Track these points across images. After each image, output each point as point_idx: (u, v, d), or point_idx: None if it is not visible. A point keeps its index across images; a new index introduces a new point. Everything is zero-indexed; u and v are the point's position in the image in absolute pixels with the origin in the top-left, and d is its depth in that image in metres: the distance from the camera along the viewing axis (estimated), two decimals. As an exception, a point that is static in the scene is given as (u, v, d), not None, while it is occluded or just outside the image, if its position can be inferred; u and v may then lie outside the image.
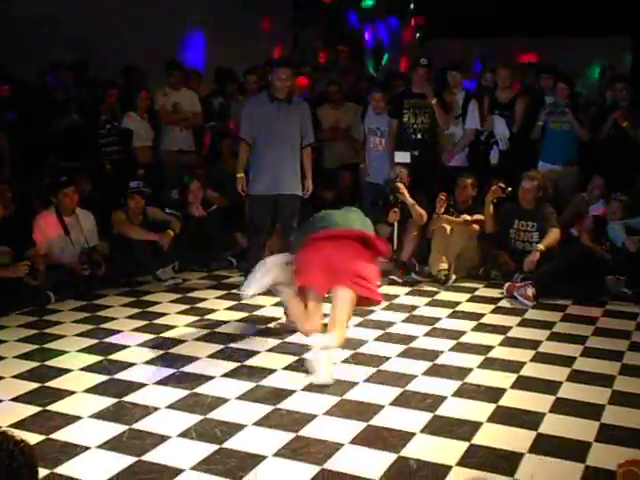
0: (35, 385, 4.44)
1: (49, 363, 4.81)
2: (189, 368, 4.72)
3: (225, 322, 5.67)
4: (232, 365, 4.77)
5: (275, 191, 6.29)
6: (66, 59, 8.54)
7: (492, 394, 4.30)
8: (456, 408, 4.12)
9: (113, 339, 5.28)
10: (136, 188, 6.91)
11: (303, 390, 4.37)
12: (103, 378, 4.55)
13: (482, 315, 5.82)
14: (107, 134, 7.95)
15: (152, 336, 5.34)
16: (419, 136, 7.44)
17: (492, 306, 6.05)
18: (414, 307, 6.01)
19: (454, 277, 6.63)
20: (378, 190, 7.34)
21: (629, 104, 7.41)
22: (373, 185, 7.60)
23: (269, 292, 6.29)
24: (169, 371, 4.67)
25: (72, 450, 3.65)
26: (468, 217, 6.86)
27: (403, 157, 6.90)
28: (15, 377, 4.58)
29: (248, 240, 6.70)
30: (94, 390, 4.38)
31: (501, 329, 5.48)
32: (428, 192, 7.05)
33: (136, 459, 3.56)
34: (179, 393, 4.32)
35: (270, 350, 5.06)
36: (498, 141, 7.77)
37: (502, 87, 7.76)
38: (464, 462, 3.53)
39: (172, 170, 8.23)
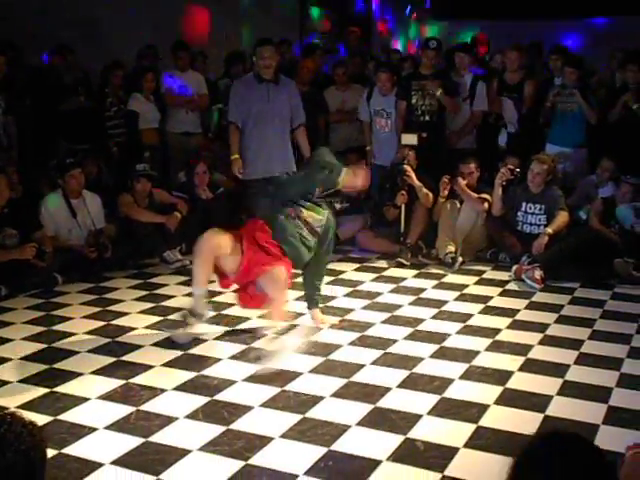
0: (43, 367, 4.45)
1: (57, 345, 4.82)
2: (196, 350, 4.73)
3: (232, 304, 5.65)
4: (239, 347, 4.77)
5: (269, 174, 6.28)
6: (72, 41, 8.50)
7: (499, 377, 4.29)
8: (463, 390, 4.12)
9: (120, 321, 5.28)
10: (142, 171, 6.90)
11: (310, 372, 4.37)
12: (110, 360, 4.56)
13: (490, 298, 5.80)
14: (113, 116, 7.93)
15: (159, 318, 5.35)
16: (427, 118, 7.41)
17: (500, 289, 6.03)
18: (421, 290, 6.00)
19: (461, 259, 6.61)
20: (385, 172, 7.32)
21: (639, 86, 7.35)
22: (380, 167, 7.57)
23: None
24: (176, 353, 4.67)
25: (80, 431, 3.66)
26: (475, 195, 6.85)
27: (410, 139, 6.87)
28: (23, 359, 4.59)
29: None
30: (102, 372, 4.39)
31: (509, 312, 5.46)
32: (436, 174, 7.03)
33: (143, 440, 3.57)
34: (186, 375, 4.33)
35: (277, 333, 5.05)
36: (507, 123, 7.73)
37: (511, 69, 7.71)
38: (471, 444, 3.53)
39: (178, 152, 8.20)
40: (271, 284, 4.64)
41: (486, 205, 6.80)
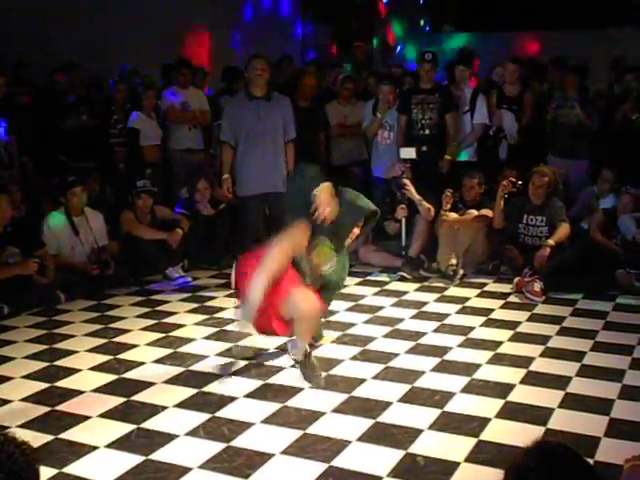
0: (44, 385, 4.46)
1: (58, 363, 4.83)
2: (197, 367, 4.73)
3: (234, 320, 5.65)
4: (240, 363, 4.77)
5: (262, 190, 6.32)
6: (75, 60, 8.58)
7: (501, 390, 4.28)
8: (464, 404, 4.11)
9: (122, 338, 5.29)
10: (143, 187, 6.92)
11: (311, 387, 4.36)
12: (112, 377, 4.57)
13: (491, 310, 5.80)
14: (118, 134, 7.99)
15: (161, 335, 5.35)
16: (427, 132, 7.43)
17: (501, 301, 6.02)
18: (423, 303, 5.99)
19: (462, 272, 6.61)
20: (386, 185, 7.34)
21: (638, 96, 7.37)
22: (380, 179, 7.60)
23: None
24: (178, 370, 4.67)
25: (80, 450, 3.66)
26: (475, 212, 6.84)
27: (408, 153, 6.89)
28: (24, 377, 4.60)
29: (247, 242, 6.65)
30: (103, 390, 4.39)
31: (510, 324, 5.45)
32: (436, 187, 7.04)
33: (144, 458, 3.57)
34: (187, 392, 4.33)
35: (278, 348, 5.05)
36: (507, 136, 7.74)
37: (510, 81, 7.74)
38: (472, 458, 3.52)
39: (180, 169, 8.24)
40: (301, 305, 4.26)
41: (482, 223, 6.80)
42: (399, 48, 14.17)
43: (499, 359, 4.77)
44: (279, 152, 6.41)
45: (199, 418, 3.98)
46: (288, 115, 6.52)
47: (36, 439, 3.68)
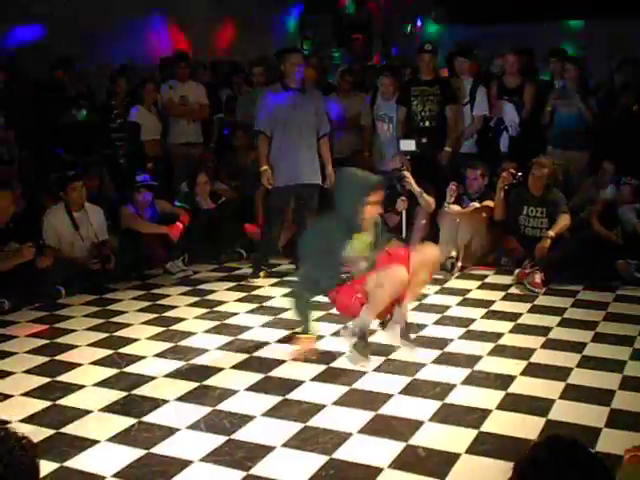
0: (46, 380, 4.47)
1: (59, 357, 4.84)
2: (198, 360, 4.74)
3: (235, 314, 5.67)
4: (241, 356, 4.77)
5: (295, 181, 6.34)
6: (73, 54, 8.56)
7: (502, 381, 4.28)
8: (465, 396, 4.11)
9: (123, 332, 5.30)
10: (143, 182, 6.92)
11: (312, 380, 4.37)
12: (113, 371, 4.57)
13: (492, 302, 5.79)
14: (119, 128, 7.98)
15: (162, 329, 5.35)
16: (427, 123, 7.42)
17: (502, 293, 6.02)
18: (424, 295, 5.97)
19: (459, 264, 6.61)
20: (387, 177, 7.33)
21: (639, 87, 7.35)
22: (380, 172, 7.58)
23: (281, 283, 6.37)
24: (179, 364, 4.68)
25: (81, 444, 3.66)
26: (477, 204, 6.82)
27: (408, 145, 6.87)
28: (26, 372, 4.60)
29: (263, 230, 6.72)
30: (104, 384, 4.40)
31: (511, 316, 5.45)
32: (436, 179, 7.02)
33: (145, 452, 3.58)
34: (188, 385, 4.33)
35: (279, 341, 5.05)
36: (508, 127, 7.72)
37: (510, 72, 7.70)
38: (473, 450, 3.52)
39: (180, 163, 8.23)
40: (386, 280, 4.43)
41: (484, 215, 6.79)
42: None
43: (500, 351, 4.77)
44: (312, 144, 6.42)
45: (200, 411, 3.99)
46: (322, 109, 6.54)
47: (37, 433, 3.69)
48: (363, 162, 8.00)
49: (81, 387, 4.35)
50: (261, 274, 6.57)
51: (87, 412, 4.01)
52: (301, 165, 6.36)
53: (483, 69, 8.79)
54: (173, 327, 5.38)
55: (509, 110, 7.67)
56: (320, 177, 6.52)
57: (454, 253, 6.62)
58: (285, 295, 5.75)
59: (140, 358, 4.79)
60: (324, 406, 4.02)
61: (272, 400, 4.11)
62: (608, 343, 4.86)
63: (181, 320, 5.54)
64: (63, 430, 3.81)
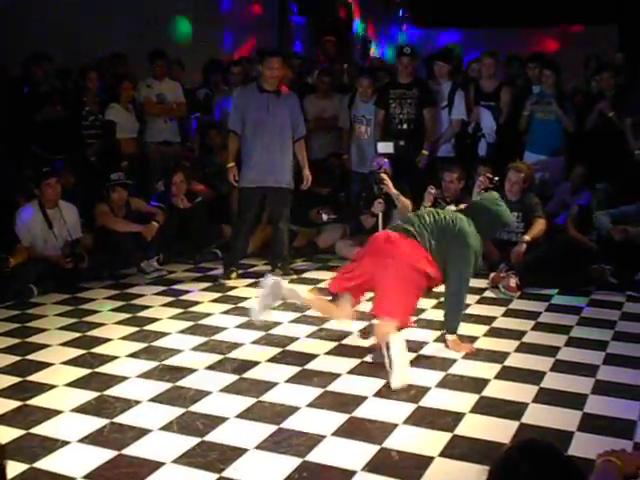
0: (16, 379, 4.41)
1: (31, 357, 4.78)
2: (172, 361, 4.70)
3: (209, 314, 5.64)
4: (215, 357, 4.74)
5: (265, 183, 6.34)
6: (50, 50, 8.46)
7: (475, 385, 4.29)
8: (439, 399, 4.11)
9: (96, 332, 5.24)
10: (117, 180, 6.86)
11: (286, 382, 4.35)
12: (85, 372, 4.52)
13: (467, 305, 5.73)
14: (91, 126, 7.88)
15: (136, 329, 5.30)
16: (405, 126, 7.44)
17: (477, 297, 6.02)
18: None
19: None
20: (364, 179, 7.34)
21: (615, 93, 7.41)
22: (358, 174, 7.60)
23: (256, 284, 6.33)
24: (152, 364, 4.64)
25: (52, 445, 3.61)
26: (453, 207, 6.82)
27: (386, 147, 6.88)
28: (-5, 371, 4.54)
29: (232, 231, 6.73)
30: (76, 384, 4.35)
31: (486, 319, 5.47)
32: (413, 182, 7.03)
33: (116, 453, 3.54)
34: (161, 386, 4.30)
35: (254, 342, 5.03)
36: (485, 134, 7.73)
37: (486, 76, 7.73)
38: (446, 453, 3.52)
39: (157, 161, 8.17)
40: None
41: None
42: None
43: (474, 354, 4.78)
44: (285, 147, 6.42)
45: (173, 412, 3.95)
46: (297, 112, 6.55)
47: (6, 434, 3.64)
48: (340, 164, 8.04)
49: (52, 387, 4.29)
50: (232, 275, 6.54)
51: (58, 412, 3.96)
52: (272, 168, 6.37)
53: (461, 71, 8.84)
54: (147, 327, 5.34)
55: (486, 117, 7.70)
56: (292, 181, 6.53)
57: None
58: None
59: (113, 358, 4.74)
60: (298, 408, 4.00)
61: (246, 402, 4.08)
62: (582, 347, 4.88)
63: (155, 320, 5.50)
64: (33, 430, 3.76)
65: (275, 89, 6.36)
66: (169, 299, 6.02)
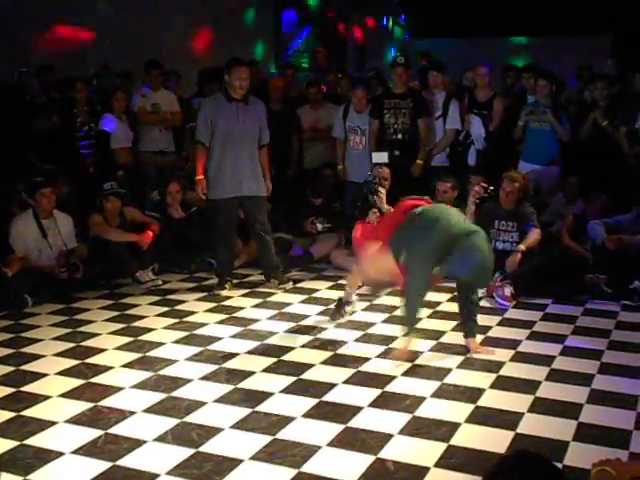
0: (10, 390, 4.39)
1: (25, 367, 4.76)
2: (167, 371, 4.68)
3: (204, 324, 5.63)
4: (210, 368, 4.73)
5: (238, 193, 6.31)
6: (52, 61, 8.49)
7: (471, 394, 4.29)
8: (435, 409, 4.10)
9: (90, 342, 5.22)
10: (110, 190, 6.84)
11: (281, 392, 4.34)
12: (79, 382, 4.50)
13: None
14: (85, 136, 7.88)
15: (130, 339, 5.29)
16: (399, 136, 7.46)
17: (472, 306, 6.02)
18: (394, 307, 5.98)
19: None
20: (358, 189, 7.33)
21: (608, 103, 7.45)
22: (353, 184, 7.61)
23: (251, 294, 6.34)
24: (147, 374, 4.62)
25: (46, 456, 3.60)
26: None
27: (380, 157, 6.88)
28: (-10, 382, 4.52)
29: (216, 244, 6.64)
30: (70, 394, 4.33)
31: (481, 329, 5.43)
32: (408, 191, 7.02)
33: (111, 464, 3.52)
34: (156, 397, 4.28)
35: (249, 352, 5.02)
36: (474, 141, 7.76)
37: (481, 85, 7.76)
38: (442, 463, 3.52)
39: (152, 171, 8.18)
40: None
41: None
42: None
43: (470, 363, 4.78)
44: (255, 155, 6.40)
45: (168, 423, 3.94)
46: (263, 119, 6.51)
47: (0, 445, 3.62)
48: (334, 174, 8.04)
49: (47, 398, 4.27)
50: (226, 286, 6.52)
51: (52, 423, 3.95)
52: (244, 177, 6.34)
53: (455, 81, 8.86)
54: (142, 337, 5.32)
55: (476, 124, 7.72)
56: (265, 188, 6.50)
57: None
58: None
59: (108, 368, 4.73)
60: (293, 418, 3.99)
61: (241, 412, 4.07)
62: (577, 357, 4.89)
63: (150, 330, 5.49)
64: (27, 442, 3.74)
65: (242, 97, 6.34)
66: (164, 309, 6.01)
